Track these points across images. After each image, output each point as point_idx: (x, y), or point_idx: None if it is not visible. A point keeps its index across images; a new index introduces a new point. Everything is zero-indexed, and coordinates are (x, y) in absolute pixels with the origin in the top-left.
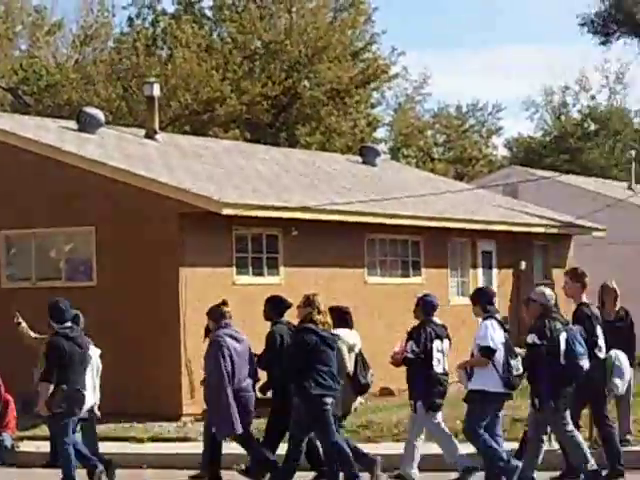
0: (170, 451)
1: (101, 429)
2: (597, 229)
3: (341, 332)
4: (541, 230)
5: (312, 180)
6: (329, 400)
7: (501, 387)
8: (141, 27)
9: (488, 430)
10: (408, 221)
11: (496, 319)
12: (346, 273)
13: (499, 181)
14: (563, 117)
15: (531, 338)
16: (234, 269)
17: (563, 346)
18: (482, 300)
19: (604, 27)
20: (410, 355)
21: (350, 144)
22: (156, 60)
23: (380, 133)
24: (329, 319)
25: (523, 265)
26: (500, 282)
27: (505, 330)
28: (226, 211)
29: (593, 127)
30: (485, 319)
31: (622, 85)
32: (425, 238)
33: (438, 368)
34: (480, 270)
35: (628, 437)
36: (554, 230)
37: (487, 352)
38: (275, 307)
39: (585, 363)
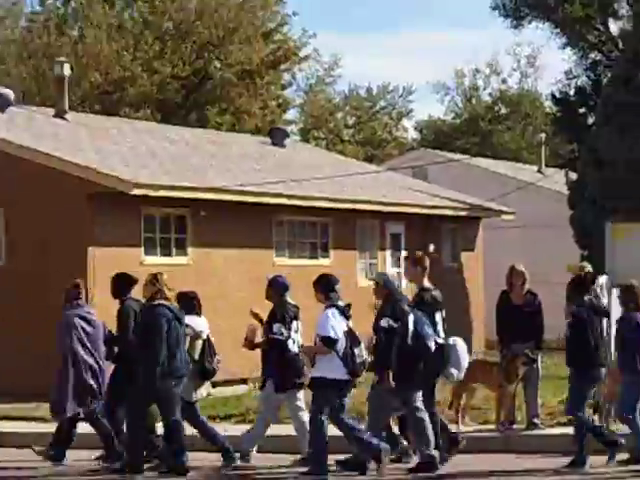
0: (78, 431)
1: (6, 408)
2: (506, 212)
3: (188, 318)
4: (450, 213)
5: (221, 161)
6: (174, 383)
7: (344, 374)
8: (53, 6)
9: (335, 416)
10: (317, 202)
11: (338, 307)
12: (254, 254)
13: (409, 163)
14: (474, 100)
15: (386, 322)
16: (142, 249)
17: (411, 327)
18: (324, 287)
19: (516, 10)
20: (279, 337)
21: (260, 125)
22: (67, 40)
23: (290, 115)
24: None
25: (432, 248)
26: None
27: (347, 318)
28: (135, 191)
29: (504, 110)
30: (327, 307)
31: (533, 68)
32: (333, 220)
33: (293, 348)
34: (388, 252)
35: (535, 421)
36: (463, 213)
37: (328, 342)
38: (123, 284)
39: (432, 344)
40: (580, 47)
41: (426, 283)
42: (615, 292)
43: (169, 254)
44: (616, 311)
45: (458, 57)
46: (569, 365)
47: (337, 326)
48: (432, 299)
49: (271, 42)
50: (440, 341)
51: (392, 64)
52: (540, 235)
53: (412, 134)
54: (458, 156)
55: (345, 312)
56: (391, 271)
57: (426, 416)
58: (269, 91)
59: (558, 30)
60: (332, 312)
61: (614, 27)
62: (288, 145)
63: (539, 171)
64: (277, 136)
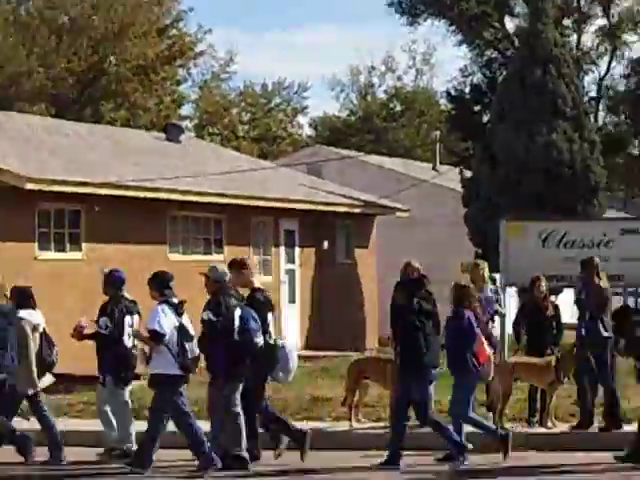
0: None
1: None
2: (400, 209)
3: (25, 313)
4: (344, 210)
5: (116, 156)
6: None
7: (177, 370)
8: None
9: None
10: (211, 199)
11: (170, 303)
12: (148, 250)
13: (303, 160)
14: (369, 97)
15: (206, 315)
16: (36, 244)
17: (237, 323)
18: (158, 285)
19: (411, 8)
20: (104, 332)
21: (155, 121)
22: None
23: (185, 110)
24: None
25: (326, 244)
26: (302, 261)
27: (179, 314)
28: (29, 186)
29: (399, 107)
30: (159, 303)
31: (429, 66)
32: (227, 216)
33: (128, 343)
34: (282, 249)
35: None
36: (357, 210)
37: (154, 335)
38: None
39: (259, 340)
40: (476, 45)
41: (257, 284)
42: (508, 290)
43: (63, 249)
44: (512, 308)
45: (354, 54)
46: (401, 368)
47: (165, 321)
48: (265, 299)
49: (166, 38)
50: (270, 342)
51: (288, 60)
52: (435, 232)
53: (307, 131)
54: (353, 153)
55: (178, 308)
56: (222, 266)
57: (241, 414)
58: (164, 87)
59: (454, 27)
60: (162, 308)
61: (510, 25)
62: (183, 141)
63: (434, 169)
64: (172, 132)
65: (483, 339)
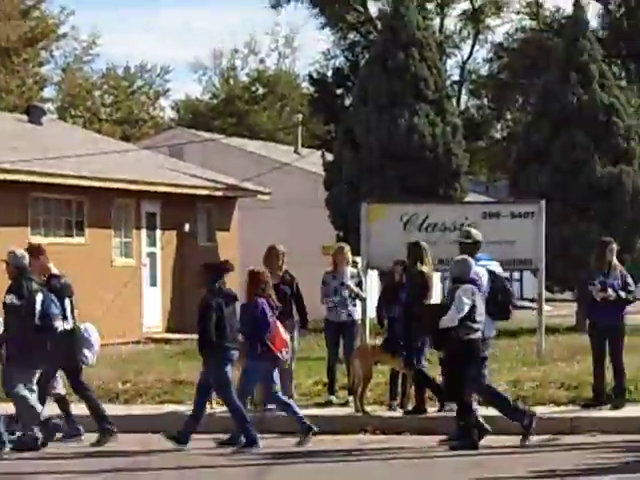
0: None
1: None
2: (262, 192)
3: None
4: (205, 192)
5: None
6: None
7: None
8: None
9: None
10: (72, 181)
11: None
12: (9, 232)
13: (165, 143)
14: (231, 80)
15: (9, 299)
16: None
17: (39, 307)
18: None
19: None
20: None
21: (17, 103)
22: None
23: (48, 93)
24: None
25: (187, 227)
26: (164, 243)
27: None
28: None
29: (261, 90)
30: None
31: (291, 49)
32: (89, 198)
33: None
34: (144, 231)
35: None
36: (219, 192)
37: None
38: None
39: (59, 324)
40: (339, 28)
41: (54, 270)
42: (371, 273)
43: None
44: (374, 292)
45: (217, 37)
46: (200, 350)
47: None
48: (62, 285)
49: (29, 19)
50: (68, 327)
51: (150, 43)
52: (296, 215)
53: (169, 113)
54: (215, 136)
55: None
56: (20, 251)
57: (29, 394)
58: (26, 69)
59: (317, 10)
60: None
61: (373, 8)
62: (45, 123)
63: (296, 152)
64: (34, 114)
65: (279, 325)
